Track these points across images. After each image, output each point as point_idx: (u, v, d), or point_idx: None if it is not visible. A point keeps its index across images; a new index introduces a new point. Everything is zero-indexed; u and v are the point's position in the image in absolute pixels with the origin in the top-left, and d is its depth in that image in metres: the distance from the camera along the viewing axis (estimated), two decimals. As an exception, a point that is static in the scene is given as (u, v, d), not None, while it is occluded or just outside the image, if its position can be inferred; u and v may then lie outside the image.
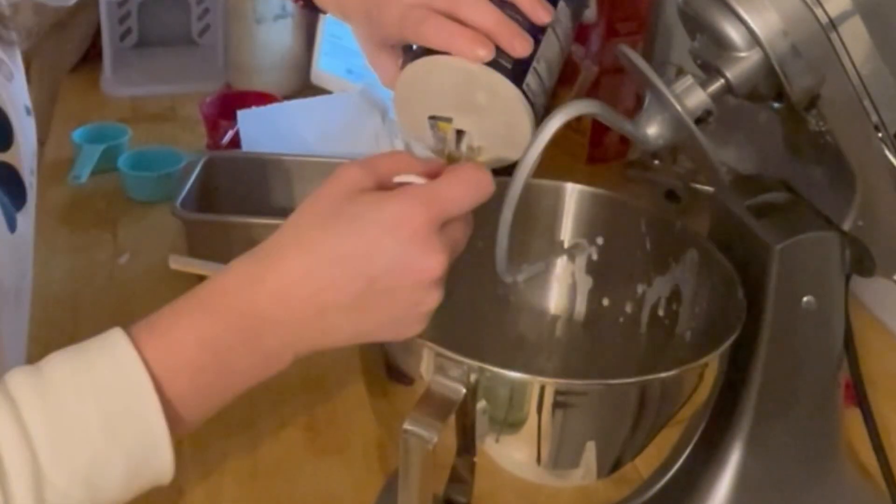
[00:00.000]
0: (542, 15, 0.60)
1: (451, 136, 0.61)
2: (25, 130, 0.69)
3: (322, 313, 0.53)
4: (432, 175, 0.56)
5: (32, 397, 0.49)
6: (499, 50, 0.59)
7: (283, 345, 0.54)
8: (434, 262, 0.53)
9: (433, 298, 0.54)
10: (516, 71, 0.59)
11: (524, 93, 0.59)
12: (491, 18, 0.58)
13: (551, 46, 0.62)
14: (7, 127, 0.67)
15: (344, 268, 0.52)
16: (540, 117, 0.59)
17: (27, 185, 0.68)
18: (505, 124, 0.60)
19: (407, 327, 0.56)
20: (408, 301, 0.54)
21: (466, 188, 0.55)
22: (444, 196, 0.54)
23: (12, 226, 0.65)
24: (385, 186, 0.55)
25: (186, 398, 0.53)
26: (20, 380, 0.50)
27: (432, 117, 0.61)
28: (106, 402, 0.50)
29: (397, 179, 0.56)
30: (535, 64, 0.60)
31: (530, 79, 0.60)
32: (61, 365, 0.51)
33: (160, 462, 0.52)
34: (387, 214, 0.52)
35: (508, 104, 0.59)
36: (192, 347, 0.52)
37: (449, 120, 0.61)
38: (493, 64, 0.58)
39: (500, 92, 0.59)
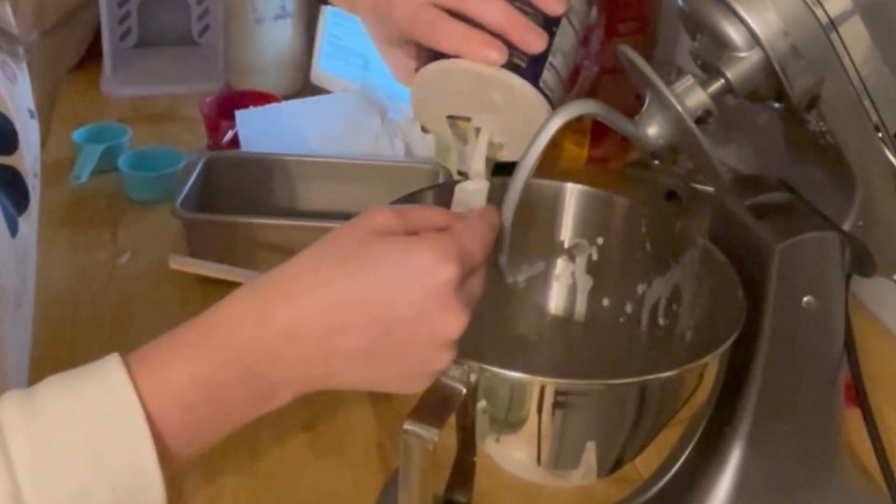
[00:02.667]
0: (554, 6, 0.57)
1: (472, 134, 0.60)
2: (29, 133, 0.69)
3: (329, 357, 0.51)
4: None
5: (20, 424, 0.48)
6: (512, 48, 0.57)
7: (282, 384, 0.52)
8: (454, 323, 0.50)
9: (444, 359, 0.52)
10: (532, 69, 0.58)
11: (541, 90, 0.58)
12: (501, 15, 0.56)
13: (567, 37, 0.59)
14: (11, 130, 0.66)
15: (361, 312, 0.49)
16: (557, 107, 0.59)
17: (30, 188, 0.68)
18: (523, 121, 0.59)
19: (412, 384, 0.54)
20: (419, 358, 0.51)
21: (483, 240, 0.53)
22: (469, 251, 0.51)
23: (14, 230, 0.65)
24: (414, 234, 0.52)
25: (177, 435, 0.50)
26: (10, 405, 0.48)
27: (451, 117, 0.60)
28: (96, 432, 0.48)
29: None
30: (550, 59, 0.58)
31: (546, 75, 0.58)
32: (53, 391, 0.49)
33: (150, 499, 0.49)
34: (416, 262, 0.49)
35: (526, 102, 0.58)
36: (185, 384, 0.50)
37: (468, 119, 0.60)
38: (507, 65, 0.57)
39: (517, 91, 0.58)
